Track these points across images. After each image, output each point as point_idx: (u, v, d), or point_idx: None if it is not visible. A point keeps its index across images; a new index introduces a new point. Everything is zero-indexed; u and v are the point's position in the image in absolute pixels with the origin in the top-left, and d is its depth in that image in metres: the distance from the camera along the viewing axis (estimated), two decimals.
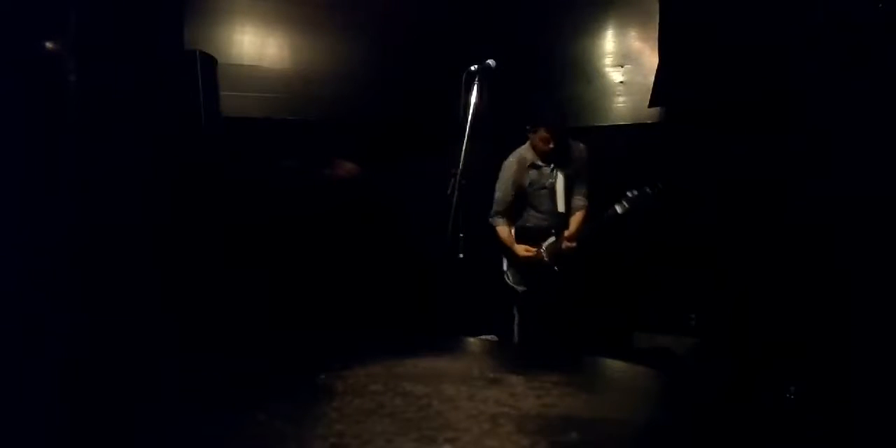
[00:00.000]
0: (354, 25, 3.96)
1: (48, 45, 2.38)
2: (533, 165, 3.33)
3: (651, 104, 3.49)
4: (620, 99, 3.86)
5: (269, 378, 1.40)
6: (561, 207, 3.33)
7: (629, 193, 3.08)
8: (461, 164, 2.90)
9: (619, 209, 3.10)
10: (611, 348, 3.23)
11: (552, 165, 3.34)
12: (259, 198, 3.46)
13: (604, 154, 3.52)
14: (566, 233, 3.29)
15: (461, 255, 2.88)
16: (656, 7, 3.44)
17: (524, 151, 3.35)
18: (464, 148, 2.88)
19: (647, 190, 3.06)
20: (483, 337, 3.18)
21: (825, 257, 2.69)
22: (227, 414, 1.18)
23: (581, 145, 3.36)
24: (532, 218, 3.41)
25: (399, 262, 3.75)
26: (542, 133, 3.24)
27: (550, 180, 3.34)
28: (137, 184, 2.68)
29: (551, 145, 3.24)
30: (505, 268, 3.46)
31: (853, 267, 2.59)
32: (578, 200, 3.39)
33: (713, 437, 1.14)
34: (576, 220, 3.36)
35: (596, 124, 3.91)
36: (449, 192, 3.13)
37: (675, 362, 3.18)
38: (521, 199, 3.41)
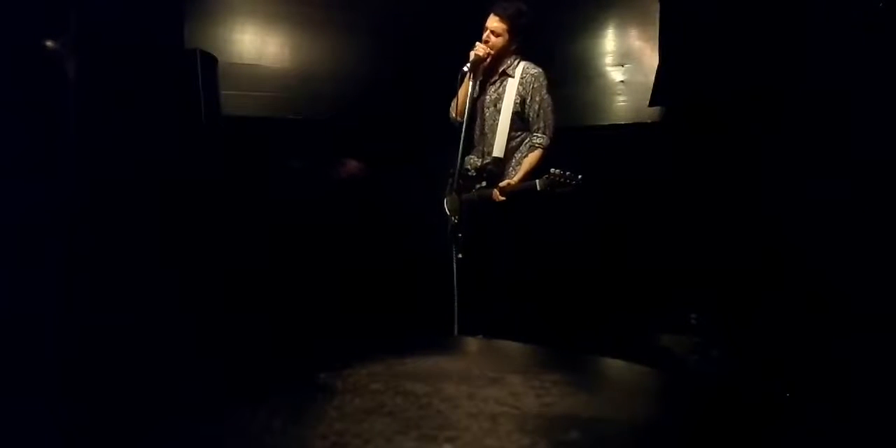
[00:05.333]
0: (354, 24, 3.96)
1: (48, 44, 2.38)
2: (482, 77, 2.88)
3: (651, 103, 3.49)
4: (620, 98, 3.86)
5: (270, 377, 1.40)
6: (497, 149, 2.90)
7: (553, 171, 2.71)
8: (458, 163, 2.90)
9: (538, 185, 2.73)
10: (611, 348, 3.23)
11: (494, 80, 2.94)
12: (259, 197, 3.46)
13: (604, 154, 3.52)
14: (505, 181, 2.81)
15: (460, 256, 2.86)
16: (656, 6, 3.44)
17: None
18: (461, 147, 2.87)
19: (571, 175, 2.68)
20: (482, 336, 3.19)
21: (825, 256, 2.69)
22: (227, 413, 1.18)
23: (537, 69, 2.93)
24: (469, 160, 3.00)
25: (399, 261, 3.75)
26: (488, 20, 2.84)
27: (489, 98, 2.94)
28: (138, 183, 2.67)
29: (486, 40, 2.81)
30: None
31: (853, 265, 2.59)
32: (535, 138, 2.90)
33: (713, 437, 1.14)
34: (527, 161, 2.87)
35: (596, 124, 3.91)
36: (447, 191, 3.12)
37: (675, 362, 3.18)
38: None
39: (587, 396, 1.27)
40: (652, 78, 3.44)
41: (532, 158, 2.91)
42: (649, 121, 3.64)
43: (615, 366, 1.63)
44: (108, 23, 2.64)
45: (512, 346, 1.92)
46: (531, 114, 2.94)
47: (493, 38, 2.90)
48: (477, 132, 3.05)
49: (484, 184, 2.98)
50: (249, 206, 3.37)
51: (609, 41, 3.93)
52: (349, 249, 3.68)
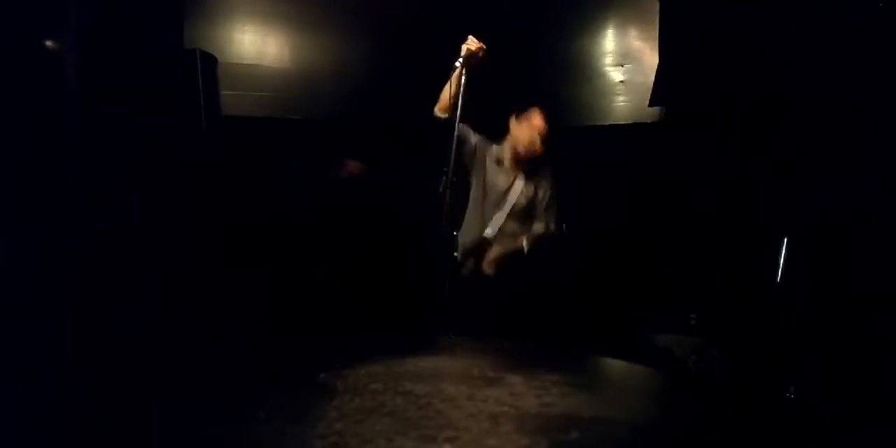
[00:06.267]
0: (354, 24, 3.96)
1: (48, 44, 2.38)
2: (499, 162, 2.92)
3: (651, 104, 3.49)
4: (620, 98, 3.86)
5: (270, 377, 1.40)
6: (489, 230, 2.92)
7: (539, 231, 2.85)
8: (452, 161, 2.88)
9: (525, 245, 2.84)
10: (611, 348, 3.22)
11: (519, 175, 2.91)
12: (259, 197, 3.46)
13: (604, 154, 3.52)
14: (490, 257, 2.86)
15: (455, 254, 2.86)
16: (656, 6, 3.44)
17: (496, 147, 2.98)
18: (454, 145, 2.86)
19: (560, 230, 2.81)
20: (482, 337, 3.18)
21: (825, 259, 2.69)
22: (228, 413, 1.18)
23: (549, 172, 2.98)
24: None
25: (397, 261, 3.75)
26: (535, 118, 2.85)
27: (502, 187, 2.93)
28: (138, 184, 2.68)
29: (538, 137, 2.81)
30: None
31: (853, 268, 2.59)
32: (536, 227, 2.94)
33: (713, 437, 1.14)
34: (519, 241, 2.92)
35: (596, 124, 3.91)
36: (441, 189, 3.11)
37: (675, 362, 3.18)
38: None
39: (587, 396, 1.27)
40: (652, 78, 3.44)
41: (524, 240, 2.90)
42: (649, 121, 3.63)
43: (615, 366, 1.63)
44: (108, 23, 2.64)
45: (512, 346, 1.92)
46: (539, 208, 2.94)
47: (541, 136, 2.87)
48: (481, 197, 3.01)
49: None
50: (249, 206, 3.37)
51: (609, 41, 3.93)
52: (348, 249, 3.68)
